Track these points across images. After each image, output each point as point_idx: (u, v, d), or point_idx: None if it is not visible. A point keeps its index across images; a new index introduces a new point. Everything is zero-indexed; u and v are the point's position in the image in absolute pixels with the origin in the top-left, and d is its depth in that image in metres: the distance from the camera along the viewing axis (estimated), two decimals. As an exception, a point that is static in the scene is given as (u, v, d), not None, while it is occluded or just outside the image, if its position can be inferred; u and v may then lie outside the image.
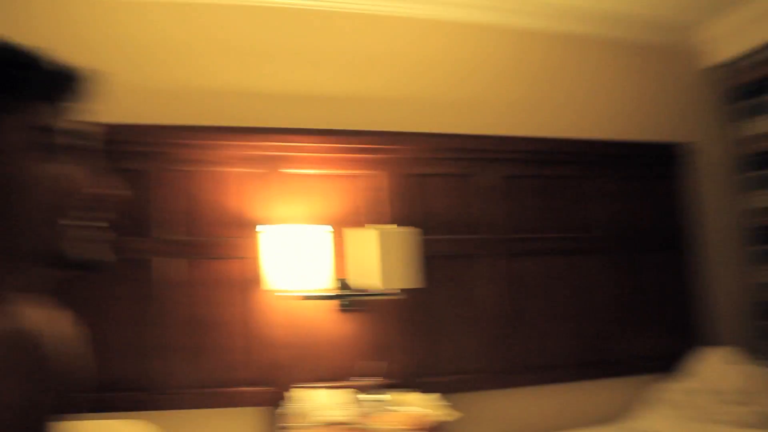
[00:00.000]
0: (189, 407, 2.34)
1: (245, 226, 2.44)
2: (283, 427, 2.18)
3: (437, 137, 2.70)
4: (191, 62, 2.52)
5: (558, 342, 2.72)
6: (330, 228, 2.41)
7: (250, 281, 2.41)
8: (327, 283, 2.36)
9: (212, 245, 2.42)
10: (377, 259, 2.29)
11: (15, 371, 0.71)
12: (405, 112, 2.71)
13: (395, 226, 2.48)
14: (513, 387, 2.67)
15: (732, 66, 3.14)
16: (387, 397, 2.29)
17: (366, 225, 2.47)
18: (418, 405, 2.26)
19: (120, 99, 1.95)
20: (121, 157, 2.22)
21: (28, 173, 0.62)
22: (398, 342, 2.54)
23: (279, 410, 2.28)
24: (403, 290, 2.39)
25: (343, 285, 2.46)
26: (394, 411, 2.23)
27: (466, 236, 2.69)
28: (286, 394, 2.33)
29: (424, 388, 2.42)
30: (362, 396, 2.28)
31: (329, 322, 2.50)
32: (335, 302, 2.48)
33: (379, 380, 2.35)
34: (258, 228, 2.40)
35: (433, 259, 2.56)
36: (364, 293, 2.46)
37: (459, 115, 2.78)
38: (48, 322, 0.77)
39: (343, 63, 2.69)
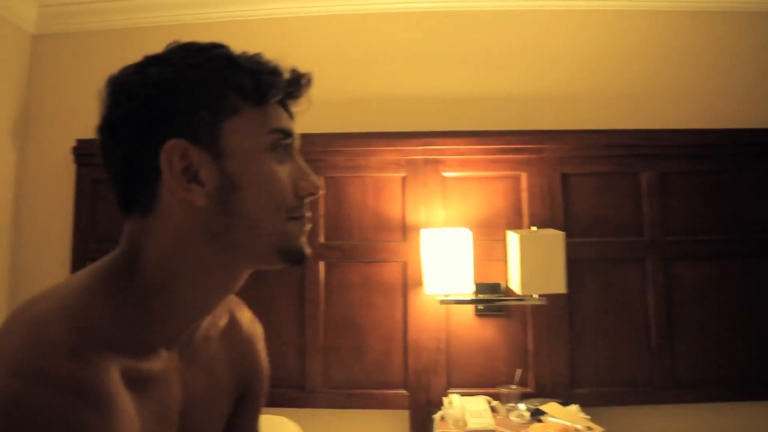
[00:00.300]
0: (338, 407, 2.47)
1: (399, 230, 2.51)
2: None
3: (584, 134, 2.55)
4: (341, 71, 2.64)
5: (722, 355, 2.43)
6: (470, 231, 2.39)
7: (402, 285, 2.49)
8: (469, 287, 2.34)
9: (369, 249, 2.52)
10: (517, 263, 2.22)
11: (228, 364, 0.76)
12: (550, 110, 2.61)
13: (535, 228, 2.39)
14: (665, 403, 2.43)
15: None
16: (532, 406, 2.23)
17: (520, 227, 2.43)
18: (560, 416, 2.15)
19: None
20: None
21: (269, 173, 0.65)
22: (537, 350, 2.45)
23: (434, 415, 2.30)
24: (544, 296, 2.30)
25: (480, 289, 2.42)
26: (542, 421, 2.15)
27: (616, 239, 2.50)
28: (443, 398, 2.36)
29: (564, 398, 2.32)
30: (509, 404, 2.25)
31: (472, 328, 2.49)
32: (476, 307, 2.47)
33: (521, 389, 2.30)
34: (418, 232, 2.45)
35: (579, 264, 2.44)
36: (504, 298, 2.42)
37: (607, 109, 2.60)
38: (252, 320, 0.83)
39: (489, 62, 2.64)
